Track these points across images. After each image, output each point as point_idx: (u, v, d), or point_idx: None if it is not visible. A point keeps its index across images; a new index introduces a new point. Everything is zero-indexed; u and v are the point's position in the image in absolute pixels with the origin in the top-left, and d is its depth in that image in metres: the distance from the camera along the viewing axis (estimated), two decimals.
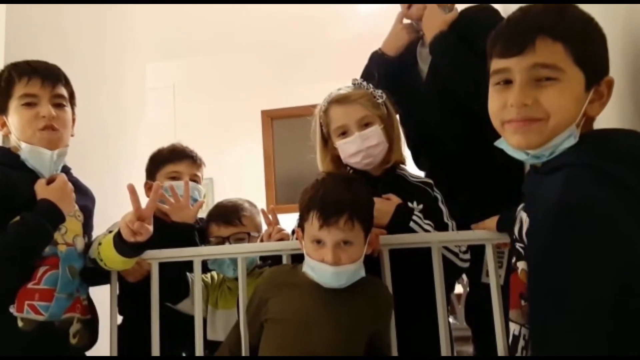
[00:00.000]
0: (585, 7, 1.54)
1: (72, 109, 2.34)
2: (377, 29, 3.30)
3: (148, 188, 2.77)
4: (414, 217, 2.22)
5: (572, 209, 1.33)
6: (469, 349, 3.74)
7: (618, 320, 1.24)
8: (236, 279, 2.40)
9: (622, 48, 1.87)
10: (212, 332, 2.56)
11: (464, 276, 2.95)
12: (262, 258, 2.61)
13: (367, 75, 2.88)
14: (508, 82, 1.54)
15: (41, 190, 2.15)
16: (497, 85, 1.58)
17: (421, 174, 2.86)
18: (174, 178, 2.76)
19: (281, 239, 2.36)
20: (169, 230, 2.52)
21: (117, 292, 2.45)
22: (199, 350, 2.32)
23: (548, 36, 1.46)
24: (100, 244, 2.24)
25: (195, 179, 2.82)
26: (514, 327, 1.65)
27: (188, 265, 2.39)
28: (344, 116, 2.35)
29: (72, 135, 2.32)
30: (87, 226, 2.38)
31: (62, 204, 2.14)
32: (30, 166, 2.19)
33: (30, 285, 2.09)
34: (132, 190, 2.14)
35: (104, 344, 2.39)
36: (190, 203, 2.65)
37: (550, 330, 1.36)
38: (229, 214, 2.64)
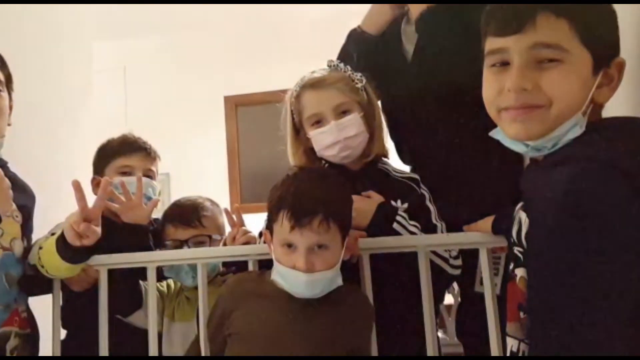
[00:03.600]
0: None
1: (9, 94, 2.32)
2: (355, 4, 3.30)
3: (96, 184, 2.74)
4: (398, 218, 2.22)
5: (577, 208, 1.32)
6: None
7: (630, 339, 1.24)
8: (196, 287, 2.38)
9: (635, 26, 1.87)
10: (168, 347, 2.55)
11: (455, 285, 2.96)
12: (225, 264, 2.60)
13: (344, 56, 2.86)
14: (505, 64, 1.53)
15: None
16: (492, 67, 1.57)
17: (406, 168, 2.85)
18: (125, 173, 2.75)
19: (247, 243, 2.34)
20: (119, 233, 2.50)
21: (61, 302, 2.43)
22: None
23: (551, 12, 1.46)
24: (41, 248, 2.22)
25: (149, 174, 2.80)
26: (511, 343, 1.64)
27: (141, 273, 2.38)
28: (318, 103, 2.33)
29: (8, 125, 2.31)
30: (27, 228, 2.35)
31: None
32: None
33: None
34: (77, 187, 2.12)
35: None
36: (143, 201, 2.62)
37: (553, 348, 1.36)
38: (188, 214, 2.63)
